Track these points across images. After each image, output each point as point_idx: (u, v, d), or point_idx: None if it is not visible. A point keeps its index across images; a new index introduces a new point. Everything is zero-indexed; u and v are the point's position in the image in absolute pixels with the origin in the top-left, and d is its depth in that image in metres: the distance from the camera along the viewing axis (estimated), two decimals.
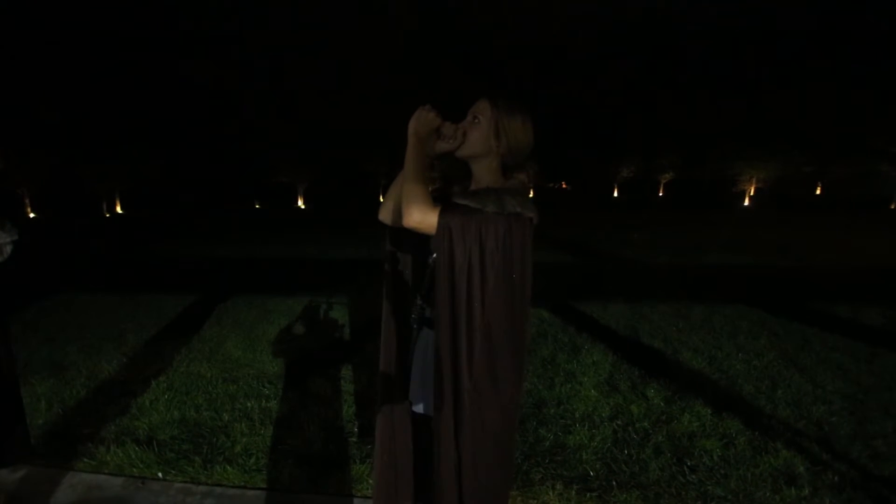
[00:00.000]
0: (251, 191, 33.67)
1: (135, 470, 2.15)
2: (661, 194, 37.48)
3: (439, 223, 1.14)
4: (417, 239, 1.30)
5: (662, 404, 2.77)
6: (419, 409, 1.42)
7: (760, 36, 34.17)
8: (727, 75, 32.85)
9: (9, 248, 1.94)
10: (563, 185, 42.52)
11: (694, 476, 2.12)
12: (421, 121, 1.23)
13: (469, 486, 1.23)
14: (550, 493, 2.01)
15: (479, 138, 1.27)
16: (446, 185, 1.41)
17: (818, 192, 32.48)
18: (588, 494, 2.01)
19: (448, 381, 1.20)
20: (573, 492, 2.01)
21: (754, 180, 32.28)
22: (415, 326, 1.42)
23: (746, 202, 32.21)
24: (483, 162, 1.30)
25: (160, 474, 2.13)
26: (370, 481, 2.05)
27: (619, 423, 2.57)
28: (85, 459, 2.22)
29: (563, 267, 7.74)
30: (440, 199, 1.28)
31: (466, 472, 1.23)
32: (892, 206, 27.16)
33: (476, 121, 1.27)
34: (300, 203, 34.86)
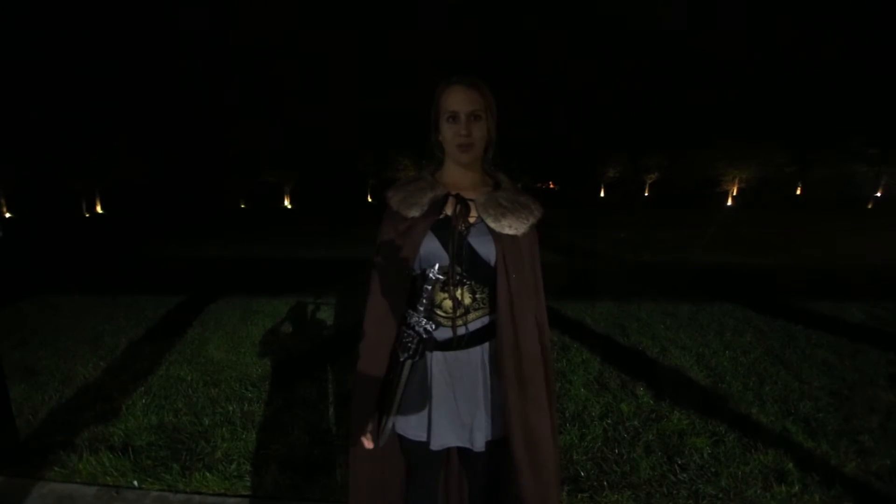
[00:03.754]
0: (237, 190, 33.15)
1: (109, 479, 2.06)
2: (646, 194, 37.89)
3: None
4: (412, 250, 1.12)
5: (652, 402, 2.76)
6: (452, 442, 1.19)
7: (743, 37, 34.86)
8: (712, 77, 33.41)
9: None
10: (551, 185, 42.79)
11: (685, 475, 2.10)
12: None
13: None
14: None
15: (485, 134, 1.14)
16: (423, 176, 1.22)
17: (799, 192, 33.15)
18: (580, 495, 1.98)
19: (537, 402, 1.18)
20: (564, 493, 1.98)
21: (737, 180, 32.82)
22: (417, 355, 1.13)
23: (730, 202, 32.73)
24: (481, 157, 1.19)
25: (135, 483, 2.04)
26: None
27: (609, 421, 2.55)
28: (56, 468, 2.13)
29: (551, 266, 7.72)
30: (442, 224, 1.12)
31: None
32: (870, 206, 27.87)
33: (477, 118, 1.11)
34: (286, 203, 34.46)
